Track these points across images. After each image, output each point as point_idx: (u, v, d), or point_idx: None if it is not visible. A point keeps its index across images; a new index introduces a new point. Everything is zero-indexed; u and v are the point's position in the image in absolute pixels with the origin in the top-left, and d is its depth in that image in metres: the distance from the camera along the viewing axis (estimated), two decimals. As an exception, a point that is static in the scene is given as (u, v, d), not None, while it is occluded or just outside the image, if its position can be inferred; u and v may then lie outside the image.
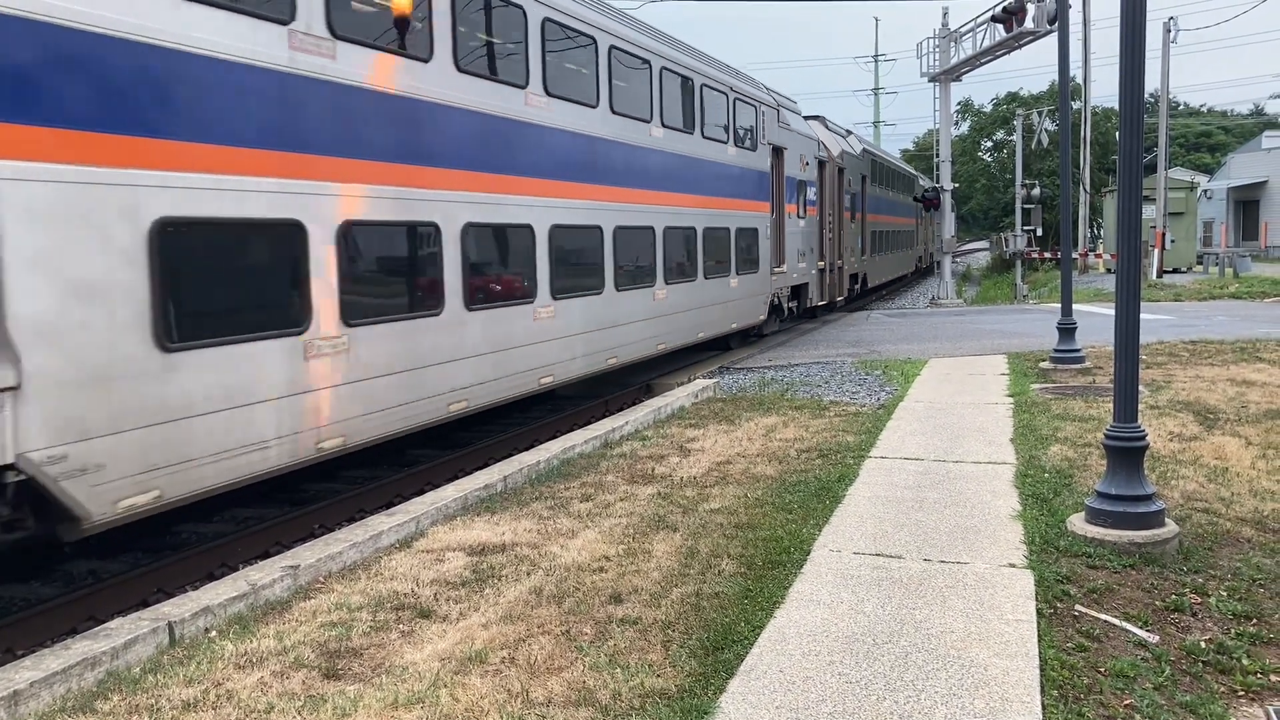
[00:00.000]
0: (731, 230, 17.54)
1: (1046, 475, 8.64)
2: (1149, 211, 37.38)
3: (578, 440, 10.56)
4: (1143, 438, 6.98)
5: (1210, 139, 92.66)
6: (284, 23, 7.71)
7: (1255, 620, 5.59)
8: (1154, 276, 35.20)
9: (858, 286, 29.31)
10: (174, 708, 4.75)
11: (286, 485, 10.00)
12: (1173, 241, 40.44)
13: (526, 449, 10.83)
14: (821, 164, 23.64)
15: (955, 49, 32.31)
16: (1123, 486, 6.92)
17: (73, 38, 6.15)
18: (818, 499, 8.10)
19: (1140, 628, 5.53)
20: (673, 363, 16.94)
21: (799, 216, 21.67)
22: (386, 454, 10.68)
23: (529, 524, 7.70)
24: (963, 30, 31.97)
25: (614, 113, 13.23)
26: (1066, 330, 15.10)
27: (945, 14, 32.99)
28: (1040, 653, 5.10)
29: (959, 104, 72.31)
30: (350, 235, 8.37)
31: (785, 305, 21.18)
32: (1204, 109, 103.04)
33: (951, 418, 11.40)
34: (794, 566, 6.46)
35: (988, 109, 75.99)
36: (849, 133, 30.89)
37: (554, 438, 11.41)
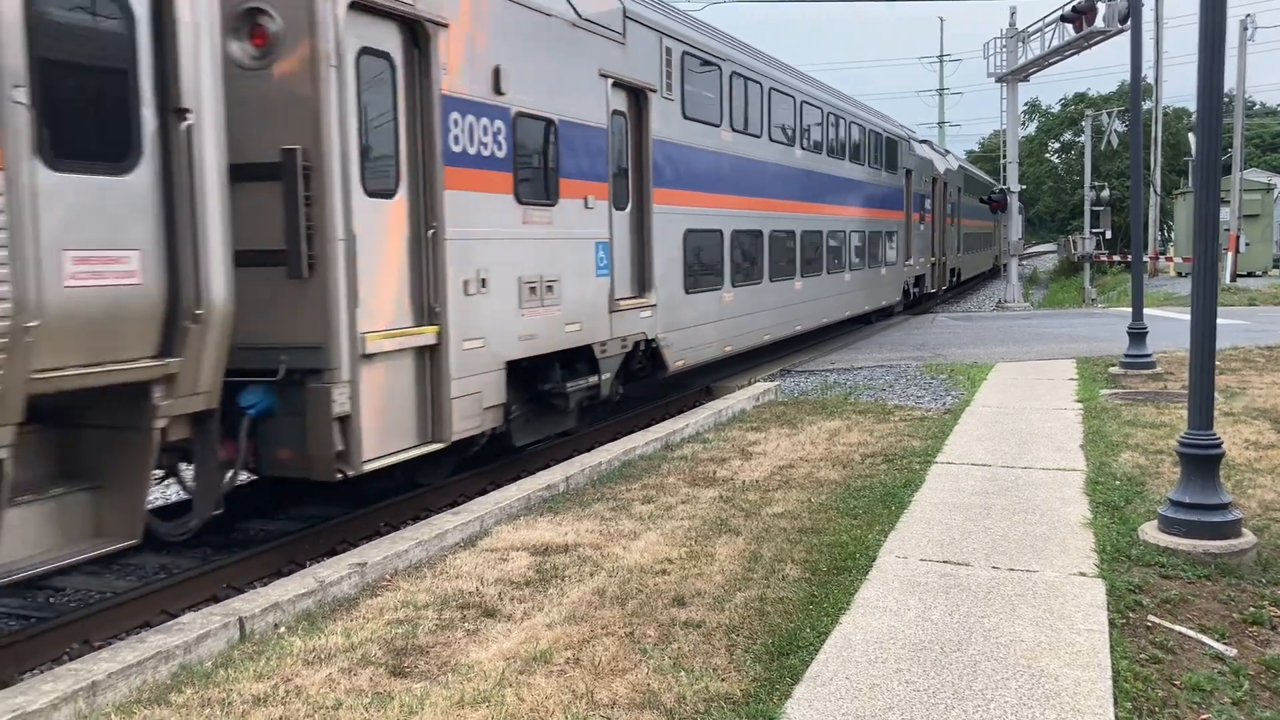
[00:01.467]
0: (883, 233, 23.55)
1: (1117, 482, 8.48)
2: (1223, 214, 36.53)
3: (638, 442, 10.57)
4: (1219, 445, 6.82)
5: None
6: (716, 125, 14.18)
7: (1338, 635, 5.43)
8: (1228, 280, 34.39)
9: (955, 278, 35.89)
10: (244, 702, 4.82)
11: (345, 485, 10.13)
12: (1247, 244, 39.46)
13: (587, 450, 10.85)
14: (933, 180, 29.69)
15: (1023, 49, 31.86)
16: (1197, 494, 6.76)
17: (666, 147, 12.57)
18: (883, 504, 8.01)
19: (1217, 640, 5.39)
20: (742, 363, 16.88)
21: (920, 222, 27.65)
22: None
23: (591, 525, 7.72)
24: (1031, 30, 31.51)
25: (827, 155, 19.55)
26: (1137, 335, 14.80)
27: (1013, 14, 32.57)
28: (1112, 664, 5.00)
29: (1026, 105, 71.30)
30: (733, 237, 14.75)
31: (910, 290, 27.31)
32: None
33: (1019, 423, 11.23)
34: (859, 572, 6.40)
35: (1055, 110, 74.87)
36: (948, 152, 38.45)
37: (614, 439, 11.41)
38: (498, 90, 9.13)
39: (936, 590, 6.06)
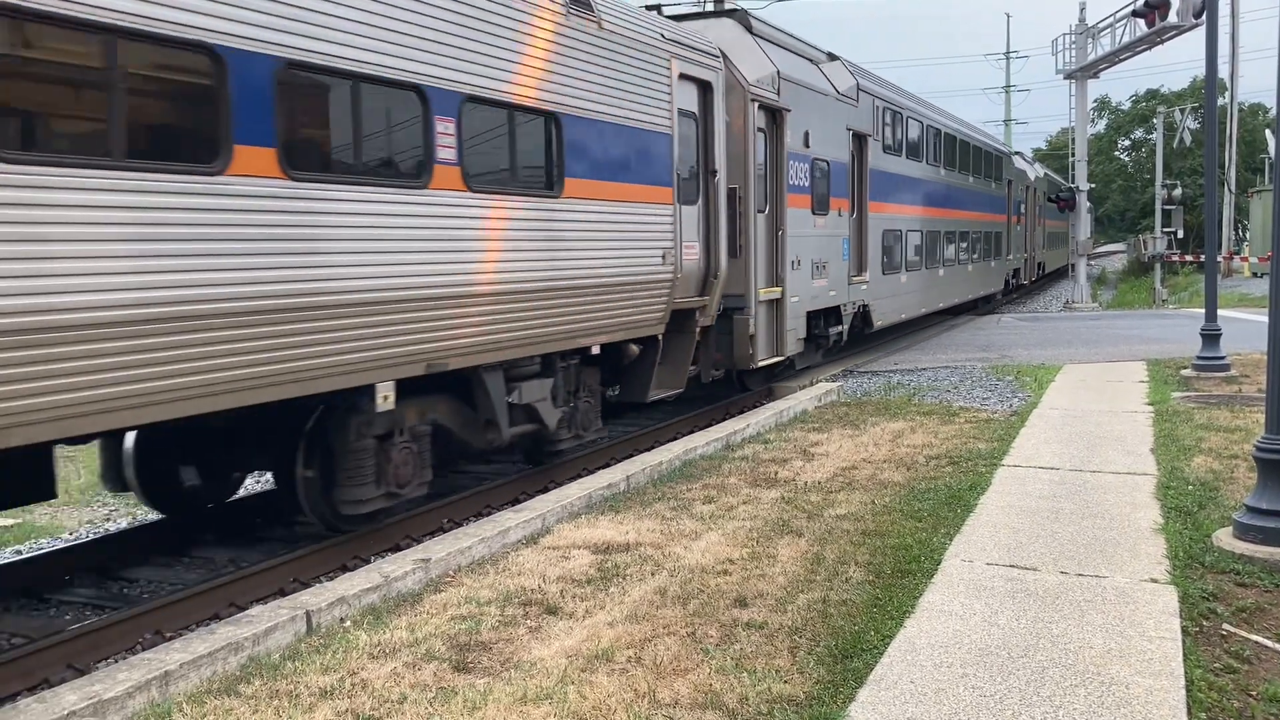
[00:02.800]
0: (992, 233, 29.04)
1: (1190, 487, 8.29)
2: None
3: (699, 442, 10.55)
4: (1298, 450, 6.63)
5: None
6: (899, 155, 19.50)
7: None
8: (1305, 280, 33.41)
9: (1041, 270, 41.70)
10: (311, 694, 4.89)
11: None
12: (1326, 244, 38.32)
13: (648, 450, 10.86)
14: (1026, 187, 35.09)
15: (1093, 45, 31.26)
16: (1275, 501, 6.60)
17: (873, 173, 17.82)
18: (948, 507, 7.92)
19: (1295, 651, 5.25)
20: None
21: (1016, 224, 33.10)
22: (510, 451, 10.88)
23: (652, 524, 7.72)
24: (1101, 26, 30.91)
25: (959, 172, 24.63)
26: (1210, 336, 14.46)
27: (1082, 9, 31.95)
28: (1186, 673, 4.88)
29: (1095, 102, 69.98)
30: (906, 235, 20.09)
31: (1009, 280, 32.73)
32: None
33: (1088, 426, 11.03)
34: (924, 576, 6.33)
35: (1125, 107, 73.44)
36: (1035, 161, 44.79)
37: (675, 439, 11.41)
38: (806, 145, 14.56)
39: (1003, 595, 5.97)
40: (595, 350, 9.95)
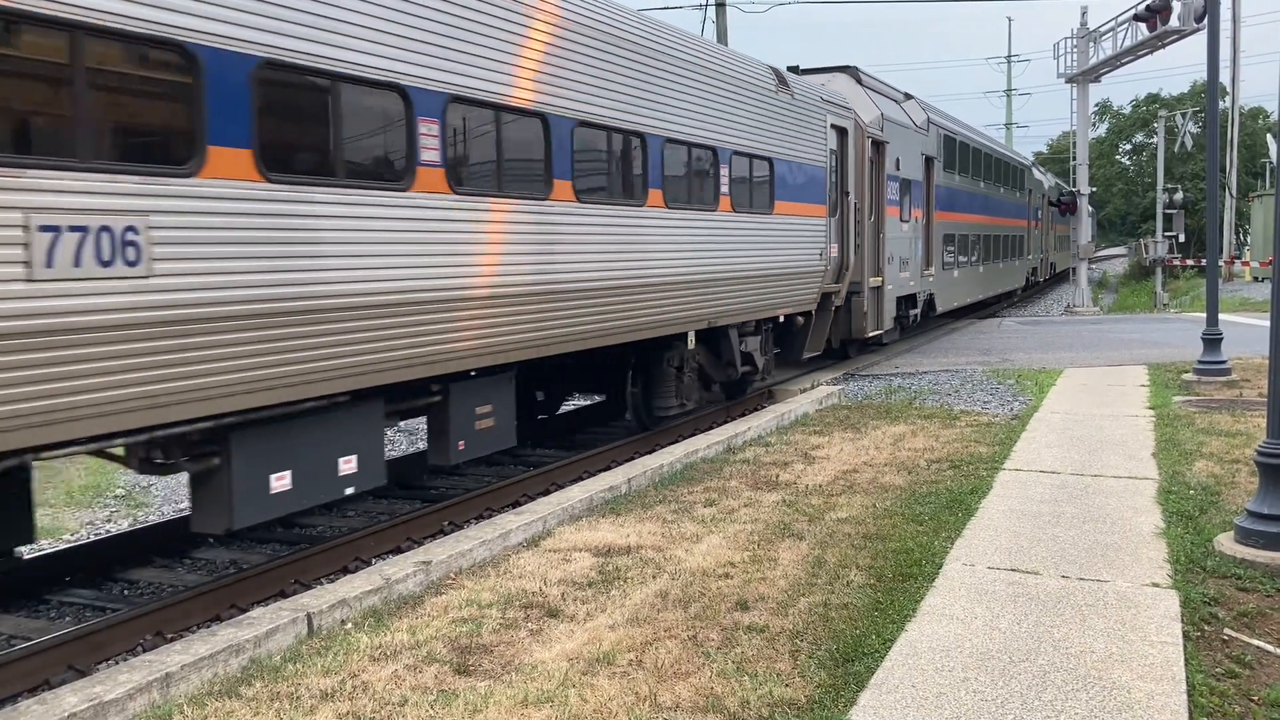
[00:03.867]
0: (1018, 237, 33.63)
1: (1191, 492, 8.29)
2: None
3: (701, 445, 10.55)
4: (1300, 455, 6.62)
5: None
6: (953, 171, 23.81)
7: None
8: (1306, 285, 33.38)
9: (1053, 270, 46.37)
10: (313, 697, 4.89)
11: (414, 483, 10.24)
12: (1327, 248, 38.30)
13: (649, 453, 10.86)
14: (1042, 196, 39.23)
15: (1094, 49, 31.24)
16: (1276, 505, 6.59)
17: (936, 187, 22.37)
18: (949, 511, 7.91)
19: (1297, 655, 5.24)
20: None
21: (1035, 228, 37.61)
22: (510, 454, 10.89)
23: (653, 527, 7.72)
24: (1102, 30, 30.91)
25: (995, 183, 28.99)
26: (1211, 341, 14.45)
27: (1084, 13, 31.91)
28: (1187, 677, 4.88)
29: (1096, 106, 69.98)
30: (959, 238, 24.37)
31: (1028, 278, 37.12)
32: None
33: (1089, 430, 11.03)
34: (925, 580, 6.32)
35: (1126, 110, 73.46)
36: (1047, 171, 48.90)
37: (676, 442, 11.41)
38: (897, 168, 18.50)
39: (1004, 599, 5.97)
40: (781, 319, 14.08)
